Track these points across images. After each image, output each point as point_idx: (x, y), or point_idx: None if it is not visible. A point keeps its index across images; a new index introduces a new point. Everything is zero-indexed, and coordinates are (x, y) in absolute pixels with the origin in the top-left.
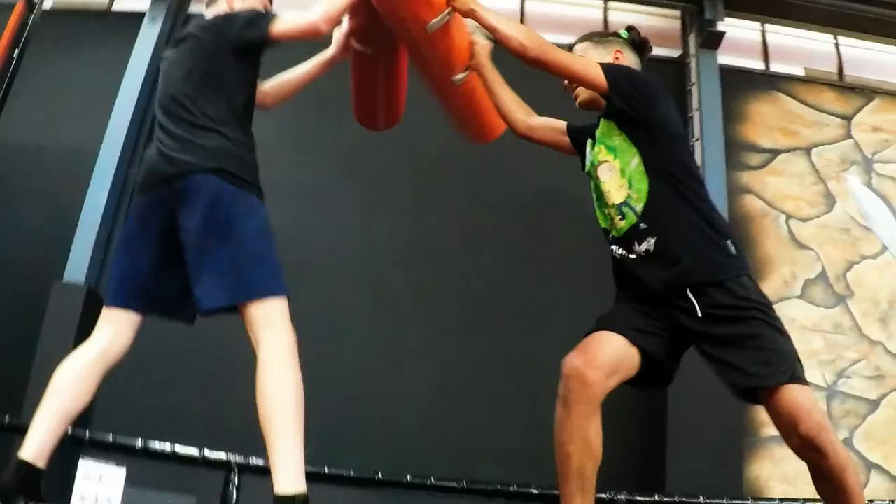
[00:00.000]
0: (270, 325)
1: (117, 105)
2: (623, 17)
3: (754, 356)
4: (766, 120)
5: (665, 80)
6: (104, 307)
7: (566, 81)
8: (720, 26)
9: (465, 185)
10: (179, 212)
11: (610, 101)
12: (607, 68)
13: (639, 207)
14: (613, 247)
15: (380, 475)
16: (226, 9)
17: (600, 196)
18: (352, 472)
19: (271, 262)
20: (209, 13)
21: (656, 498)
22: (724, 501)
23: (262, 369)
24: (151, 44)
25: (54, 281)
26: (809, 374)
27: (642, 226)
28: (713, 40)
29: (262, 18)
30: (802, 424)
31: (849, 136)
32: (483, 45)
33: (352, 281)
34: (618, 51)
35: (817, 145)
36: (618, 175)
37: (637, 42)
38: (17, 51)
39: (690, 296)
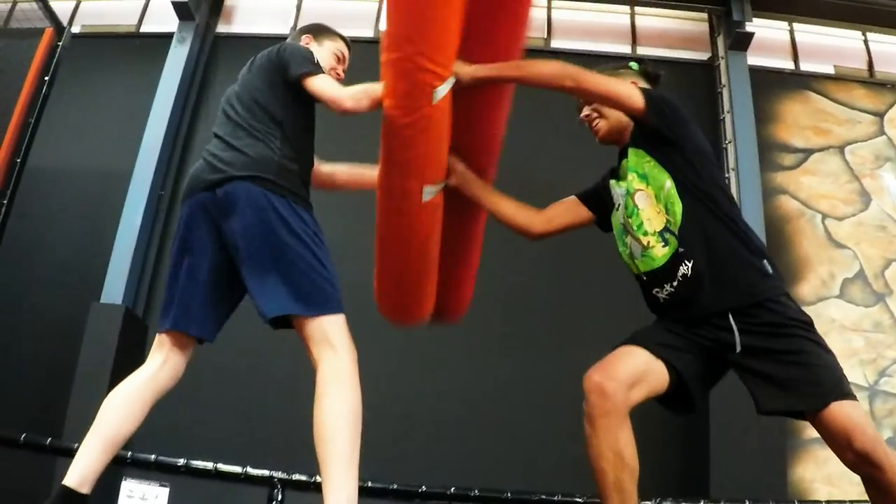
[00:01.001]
0: (330, 343)
1: (149, 126)
2: (651, 21)
3: (803, 375)
4: (798, 119)
5: (695, 84)
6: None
7: (585, 114)
8: (748, 27)
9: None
10: (224, 220)
11: (643, 122)
12: (641, 89)
13: (676, 229)
14: (654, 289)
15: (423, 488)
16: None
17: (637, 225)
18: (395, 486)
19: (330, 276)
20: None
21: (702, 503)
22: None
23: (321, 392)
24: (181, 64)
25: (92, 302)
26: (851, 374)
27: (681, 250)
28: (742, 41)
29: (305, 64)
30: (857, 441)
31: (882, 132)
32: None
33: None
34: (633, 82)
35: (850, 143)
36: (653, 201)
37: (649, 74)
38: (47, 76)
39: (731, 319)
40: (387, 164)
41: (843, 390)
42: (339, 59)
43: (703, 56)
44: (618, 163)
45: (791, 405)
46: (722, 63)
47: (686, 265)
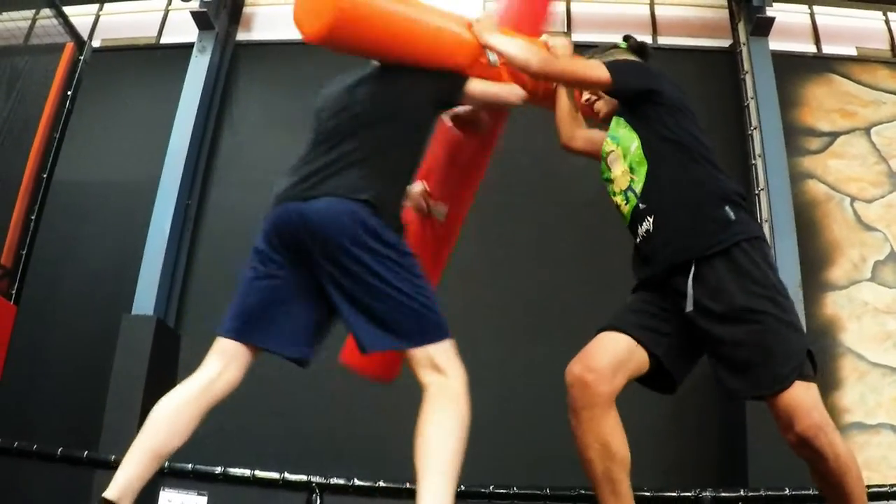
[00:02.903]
0: (437, 367)
1: (173, 135)
2: (670, 11)
3: (754, 357)
4: (823, 103)
5: (717, 71)
6: (217, 337)
7: (584, 100)
8: (769, 12)
9: (525, 190)
10: (315, 242)
11: (616, 93)
12: (608, 63)
13: (639, 188)
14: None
15: (462, 487)
16: None
17: (610, 185)
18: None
19: (432, 303)
20: None
21: (742, 493)
22: (811, 492)
23: (429, 408)
24: (202, 73)
25: (123, 314)
26: (886, 357)
27: (641, 206)
28: (763, 27)
29: None
30: (799, 424)
31: None
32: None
33: None
34: (624, 59)
35: (876, 124)
36: (621, 161)
37: (637, 48)
38: (70, 90)
39: (690, 282)
40: None
41: (801, 372)
42: None
43: (725, 43)
44: None
45: (745, 391)
46: (744, 49)
47: (648, 221)
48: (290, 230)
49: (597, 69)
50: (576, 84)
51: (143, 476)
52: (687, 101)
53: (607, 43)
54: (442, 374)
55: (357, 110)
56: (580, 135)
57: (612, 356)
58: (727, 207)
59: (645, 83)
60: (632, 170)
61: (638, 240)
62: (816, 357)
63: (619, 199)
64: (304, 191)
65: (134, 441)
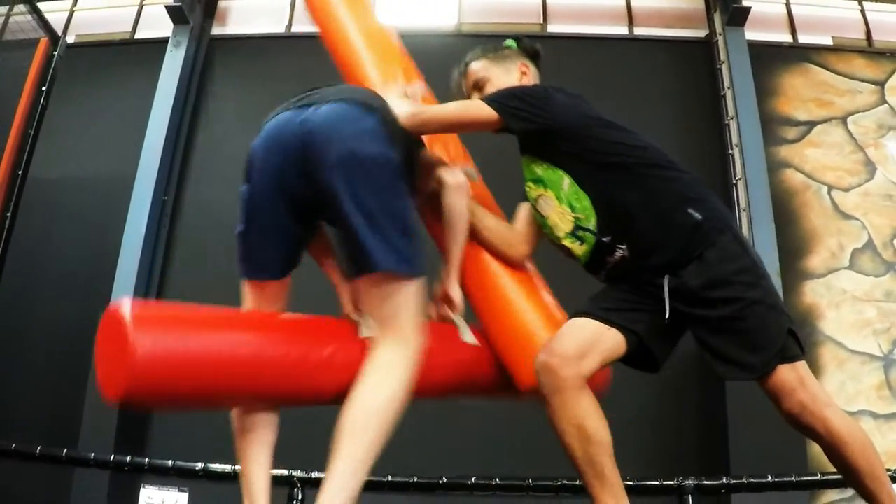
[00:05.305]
0: (400, 325)
1: (149, 131)
2: (646, 2)
3: (739, 342)
4: (799, 92)
5: (693, 61)
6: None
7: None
8: (744, 2)
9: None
10: (315, 151)
11: (509, 130)
12: (488, 98)
13: (592, 224)
14: (593, 274)
15: (444, 479)
16: None
17: (550, 231)
18: (416, 479)
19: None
20: None
21: (724, 480)
22: (793, 478)
23: (364, 379)
24: (178, 68)
25: (102, 310)
26: (865, 345)
27: (605, 240)
28: (739, 16)
29: None
30: (785, 403)
31: (883, 101)
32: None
33: None
34: (522, 64)
35: (852, 113)
36: (556, 204)
37: (530, 50)
38: (44, 86)
39: (665, 282)
40: None
41: (779, 354)
42: None
43: (701, 33)
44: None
45: (731, 376)
46: (720, 39)
47: (621, 249)
48: (288, 142)
49: (476, 109)
50: (458, 129)
51: (265, 476)
52: (589, 108)
53: (496, 43)
54: (398, 332)
55: None
56: (528, 232)
57: (577, 340)
58: (689, 210)
59: (540, 122)
60: (572, 208)
61: (606, 270)
62: (800, 336)
63: (567, 242)
64: (303, 102)
65: (236, 443)
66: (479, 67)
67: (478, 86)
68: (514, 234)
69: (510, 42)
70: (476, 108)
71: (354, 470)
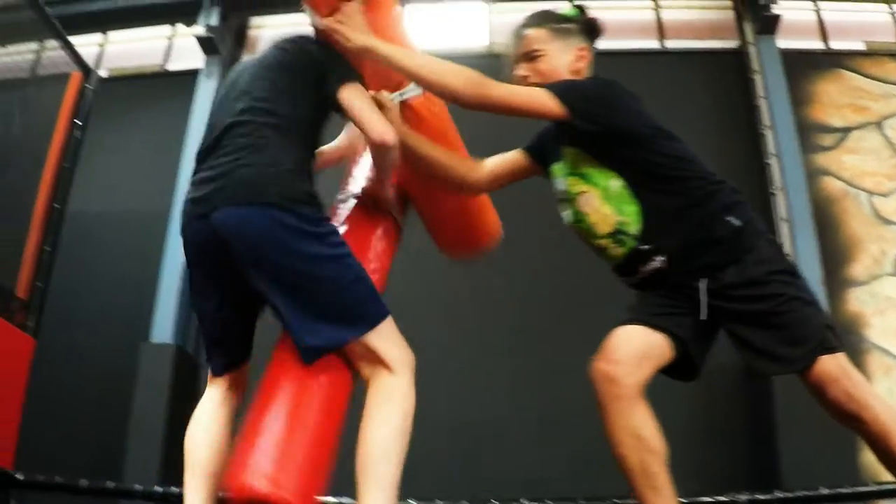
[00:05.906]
0: (381, 360)
1: (184, 162)
2: (676, 14)
3: (779, 337)
4: (834, 99)
5: (726, 72)
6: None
7: (522, 74)
8: (774, 10)
9: (524, 187)
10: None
11: (570, 126)
12: (558, 92)
13: (634, 230)
14: (622, 277)
15: (493, 501)
16: None
17: (586, 229)
18: (465, 503)
19: (365, 281)
20: None
21: (777, 495)
22: (847, 490)
23: (370, 413)
24: (210, 98)
25: (142, 342)
26: None
27: (644, 247)
28: (770, 25)
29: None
30: (828, 394)
31: None
32: (392, 107)
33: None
34: (580, 48)
35: (888, 118)
36: (599, 204)
37: (591, 27)
38: (78, 120)
39: (701, 285)
40: None
41: (820, 346)
42: None
43: (733, 44)
44: (558, 150)
45: (772, 371)
46: (752, 49)
47: (657, 260)
48: (200, 240)
49: (542, 98)
50: (517, 114)
51: (207, 500)
52: (649, 114)
53: (556, 12)
54: (386, 367)
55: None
56: (495, 171)
57: (633, 347)
58: (730, 217)
59: (608, 126)
60: (619, 211)
61: (638, 276)
62: (837, 331)
63: (604, 241)
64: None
65: (185, 472)
66: (537, 37)
67: (529, 56)
68: (465, 163)
69: (573, 11)
70: (546, 102)
71: (387, 498)
